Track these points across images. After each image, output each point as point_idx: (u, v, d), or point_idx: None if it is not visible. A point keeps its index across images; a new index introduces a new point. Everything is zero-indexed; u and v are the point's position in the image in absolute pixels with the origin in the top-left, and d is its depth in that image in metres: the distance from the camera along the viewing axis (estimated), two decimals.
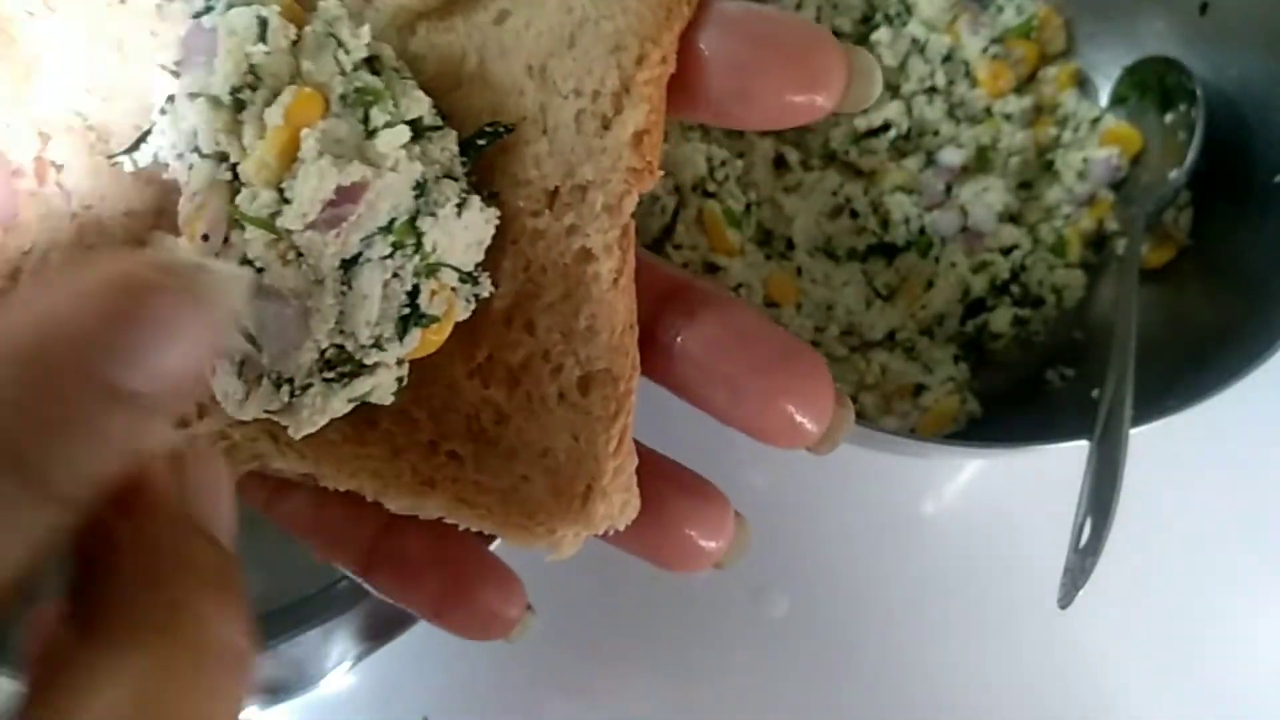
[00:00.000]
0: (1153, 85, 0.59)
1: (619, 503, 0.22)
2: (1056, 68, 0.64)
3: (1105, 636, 0.56)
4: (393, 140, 0.21)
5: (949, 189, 0.61)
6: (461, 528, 0.22)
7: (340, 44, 0.21)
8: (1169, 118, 0.58)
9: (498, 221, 0.22)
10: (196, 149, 0.22)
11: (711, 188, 0.55)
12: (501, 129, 0.22)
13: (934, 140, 0.61)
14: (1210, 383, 0.45)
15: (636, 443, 0.22)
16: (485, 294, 0.22)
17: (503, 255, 0.22)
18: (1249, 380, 0.45)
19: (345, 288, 0.21)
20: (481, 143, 0.22)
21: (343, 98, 0.21)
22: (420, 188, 0.21)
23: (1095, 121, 0.61)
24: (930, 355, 0.57)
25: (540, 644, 0.56)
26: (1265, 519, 0.59)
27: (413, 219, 0.21)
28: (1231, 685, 0.56)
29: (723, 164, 0.56)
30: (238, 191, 0.21)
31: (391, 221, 0.21)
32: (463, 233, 0.22)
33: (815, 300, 0.57)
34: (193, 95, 0.21)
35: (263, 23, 0.21)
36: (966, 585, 0.56)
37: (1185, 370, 0.48)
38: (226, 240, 0.21)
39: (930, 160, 0.62)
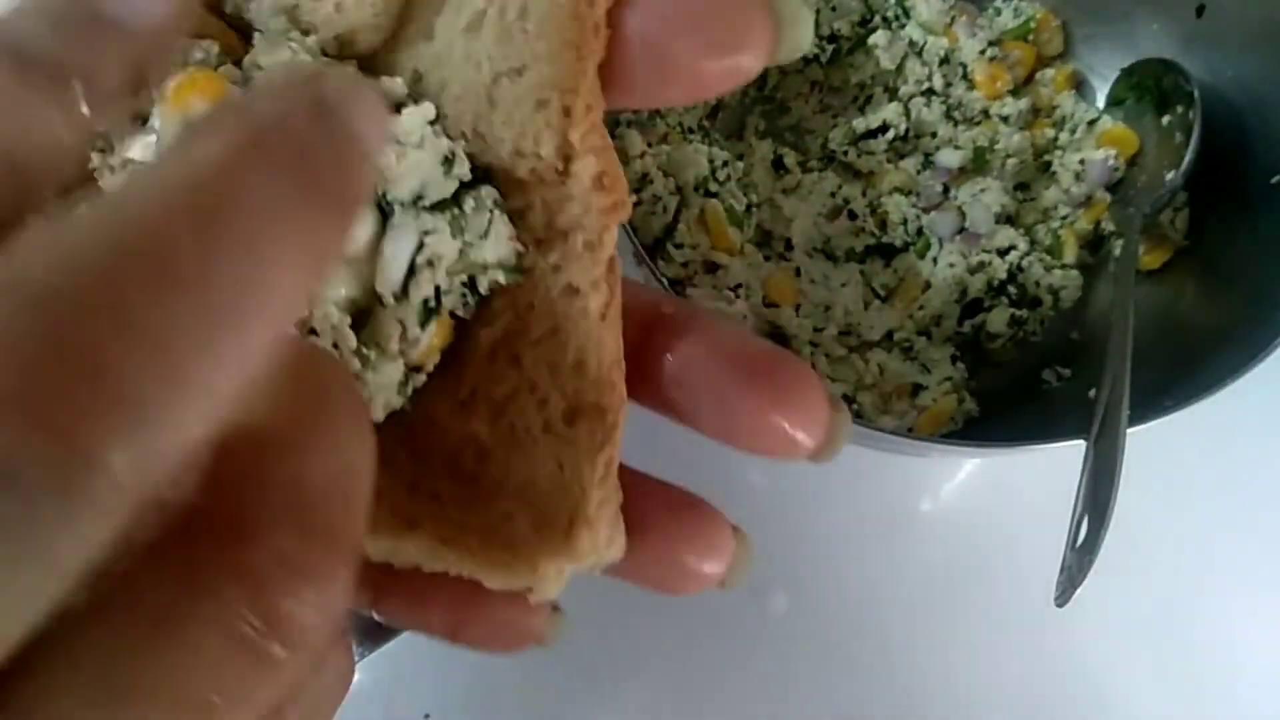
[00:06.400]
0: (1150, 87, 0.60)
1: (604, 536, 0.21)
2: (1053, 70, 0.64)
3: (1102, 634, 0.56)
4: (418, 114, 0.21)
5: (946, 190, 0.62)
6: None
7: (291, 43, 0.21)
8: (1166, 119, 0.59)
9: (520, 249, 0.22)
10: None
11: (713, 187, 0.55)
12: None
13: (931, 142, 0.62)
14: (1206, 383, 0.46)
15: (622, 467, 0.22)
16: (468, 315, 0.22)
17: (490, 293, 0.22)
18: (1244, 381, 0.45)
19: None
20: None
21: None
22: (449, 163, 0.21)
23: (1092, 123, 0.61)
24: (928, 355, 0.58)
25: None
26: (1260, 518, 0.59)
27: (444, 204, 0.21)
28: (1228, 683, 0.56)
29: (724, 165, 0.56)
30: None
31: (418, 199, 0.21)
32: (491, 245, 0.22)
33: (814, 301, 0.58)
34: None
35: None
36: (964, 583, 0.57)
37: (1181, 370, 0.48)
38: None
39: (928, 162, 0.62)
